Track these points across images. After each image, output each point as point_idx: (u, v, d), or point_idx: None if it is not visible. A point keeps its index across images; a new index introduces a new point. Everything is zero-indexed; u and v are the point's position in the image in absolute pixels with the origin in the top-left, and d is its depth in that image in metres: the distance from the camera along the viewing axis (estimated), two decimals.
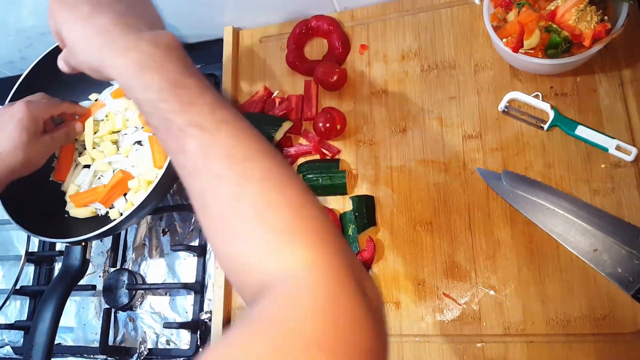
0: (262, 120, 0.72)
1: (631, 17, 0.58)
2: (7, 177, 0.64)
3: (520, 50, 0.59)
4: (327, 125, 0.69)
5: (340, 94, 0.74)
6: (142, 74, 0.39)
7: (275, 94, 0.77)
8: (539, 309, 0.57)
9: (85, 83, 0.81)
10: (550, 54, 0.58)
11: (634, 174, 0.58)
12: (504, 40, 0.60)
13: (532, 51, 0.59)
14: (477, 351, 0.58)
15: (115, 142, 0.77)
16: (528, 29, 0.58)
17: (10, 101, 0.75)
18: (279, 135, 0.71)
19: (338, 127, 0.70)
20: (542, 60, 0.58)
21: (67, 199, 0.76)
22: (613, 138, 0.59)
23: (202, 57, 0.87)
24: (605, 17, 0.57)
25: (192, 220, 0.78)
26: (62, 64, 0.52)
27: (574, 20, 0.56)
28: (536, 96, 0.64)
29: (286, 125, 0.72)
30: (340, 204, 0.69)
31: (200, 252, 0.75)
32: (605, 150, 0.60)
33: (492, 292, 0.60)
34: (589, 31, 0.56)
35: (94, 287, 0.79)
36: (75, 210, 0.75)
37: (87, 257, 0.69)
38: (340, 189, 0.68)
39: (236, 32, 0.83)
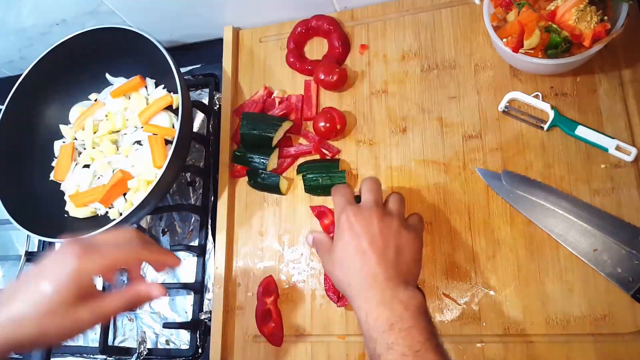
0: (262, 120, 0.72)
1: (631, 17, 0.58)
2: (5, 352, 0.41)
3: (520, 50, 0.59)
4: (327, 125, 0.69)
5: (340, 94, 0.74)
6: (388, 332, 0.43)
7: (275, 94, 0.77)
8: (539, 309, 0.57)
9: (84, 82, 0.81)
10: (550, 54, 0.58)
11: (634, 174, 0.58)
12: (504, 40, 0.60)
13: (532, 51, 0.59)
14: (477, 351, 0.58)
15: (115, 142, 0.77)
16: (528, 29, 0.58)
17: (10, 101, 0.75)
18: (278, 135, 0.71)
19: (338, 127, 0.70)
20: (542, 60, 0.58)
21: (67, 198, 0.76)
22: (613, 138, 0.59)
23: (201, 57, 0.87)
24: (605, 17, 0.57)
25: (192, 220, 0.78)
26: (310, 240, 0.57)
27: (573, 20, 0.56)
28: (536, 96, 0.64)
29: (286, 125, 0.72)
30: None
31: (200, 252, 0.75)
32: (605, 150, 0.60)
33: (492, 292, 0.60)
34: (589, 31, 0.56)
35: None
36: (75, 210, 0.74)
37: None
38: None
39: (236, 32, 0.83)
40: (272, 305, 0.67)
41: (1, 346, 0.39)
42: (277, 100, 0.76)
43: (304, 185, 0.69)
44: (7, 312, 0.39)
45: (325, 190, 0.68)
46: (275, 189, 0.71)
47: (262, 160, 0.71)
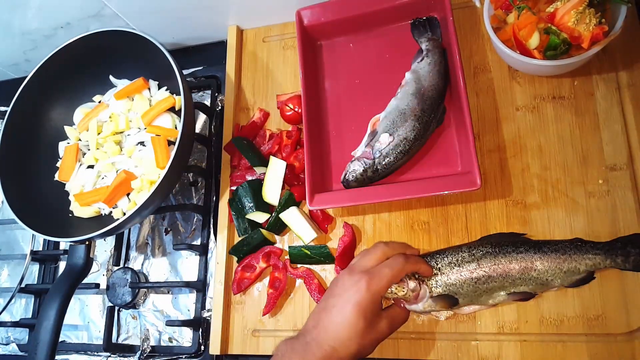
0: (247, 155, 0.73)
1: (629, 19, 0.58)
2: None
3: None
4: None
5: None
6: None
7: (269, 132, 0.76)
8: (533, 308, 0.58)
9: (88, 84, 0.82)
10: (549, 56, 0.58)
11: (629, 177, 0.59)
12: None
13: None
14: (472, 349, 0.59)
15: (119, 143, 0.78)
16: (528, 31, 0.58)
17: (16, 102, 0.76)
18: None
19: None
20: (541, 62, 0.58)
21: (71, 198, 0.77)
22: None
23: (204, 60, 0.88)
24: (603, 20, 0.57)
25: (194, 219, 0.79)
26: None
27: (572, 22, 0.57)
28: None
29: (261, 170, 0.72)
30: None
31: (202, 251, 0.76)
32: None
33: None
34: (588, 33, 0.56)
35: (97, 286, 0.80)
36: (79, 210, 0.76)
37: (91, 255, 0.70)
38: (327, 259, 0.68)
39: (240, 32, 0.84)
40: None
41: None
42: (267, 134, 0.76)
43: (289, 254, 0.69)
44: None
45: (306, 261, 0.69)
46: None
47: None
